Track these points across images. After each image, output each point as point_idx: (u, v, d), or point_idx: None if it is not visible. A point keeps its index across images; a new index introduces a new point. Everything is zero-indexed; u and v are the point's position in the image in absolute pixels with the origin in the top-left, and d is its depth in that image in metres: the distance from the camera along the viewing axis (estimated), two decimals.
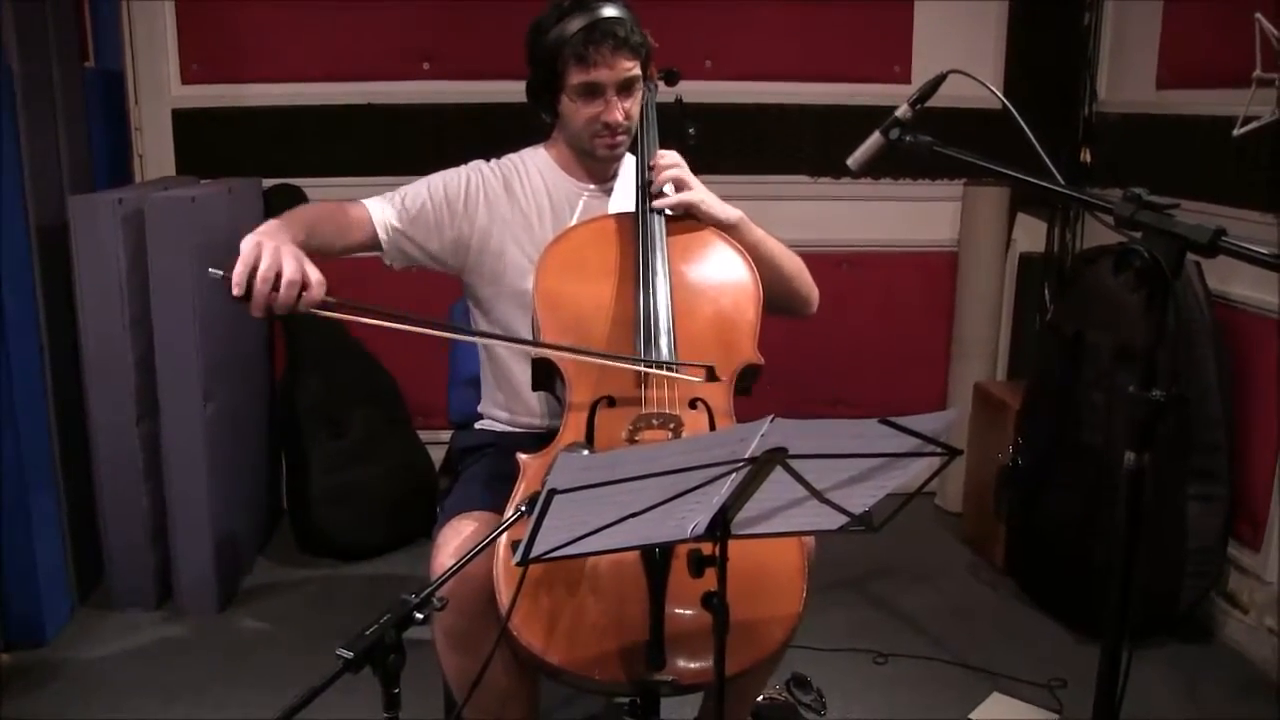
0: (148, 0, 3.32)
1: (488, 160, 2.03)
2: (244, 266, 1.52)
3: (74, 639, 2.76)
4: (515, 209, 1.97)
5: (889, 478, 1.36)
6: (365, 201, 1.93)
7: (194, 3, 3.36)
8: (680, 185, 1.89)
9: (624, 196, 2.01)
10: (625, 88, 1.87)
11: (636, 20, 1.88)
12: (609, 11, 1.84)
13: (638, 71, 1.88)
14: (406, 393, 3.49)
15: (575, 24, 1.82)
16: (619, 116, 1.88)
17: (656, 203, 1.88)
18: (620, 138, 1.92)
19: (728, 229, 1.92)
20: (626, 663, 1.52)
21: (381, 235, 1.92)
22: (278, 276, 1.53)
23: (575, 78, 1.85)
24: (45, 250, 2.72)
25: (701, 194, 1.90)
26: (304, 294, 1.55)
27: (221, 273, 1.53)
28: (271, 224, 1.66)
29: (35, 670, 2.60)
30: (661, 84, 2.06)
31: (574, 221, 1.97)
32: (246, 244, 1.55)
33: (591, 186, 2.02)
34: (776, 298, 1.96)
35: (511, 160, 2.03)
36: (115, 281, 2.75)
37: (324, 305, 1.57)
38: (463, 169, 2.00)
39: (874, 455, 1.32)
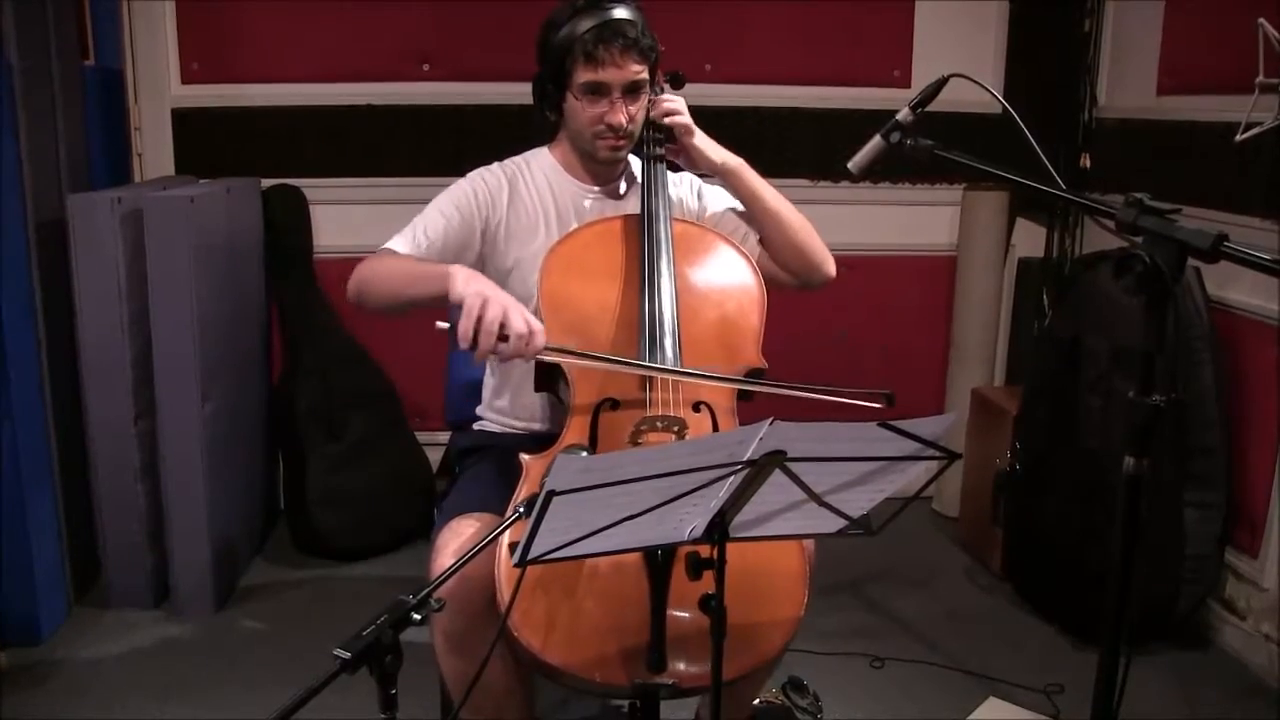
0: None
1: (490, 164, 2.02)
2: (469, 320, 1.60)
3: (70, 638, 2.76)
4: (520, 212, 1.97)
5: (887, 481, 1.36)
6: (390, 245, 1.92)
7: (194, 2, 3.36)
8: (675, 113, 1.94)
9: (629, 200, 2.01)
10: (631, 90, 1.87)
11: (648, 25, 1.88)
12: (621, 13, 1.84)
13: (645, 75, 1.88)
14: (403, 394, 3.49)
15: (587, 22, 1.82)
16: (622, 119, 1.88)
17: (653, 114, 1.93)
18: (622, 141, 1.92)
19: (723, 173, 1.94)
20: (626, 665, 1.52)
21: None
22: (502, 327, 1.60)
23: (582, 76, 1.85)
24: (43, 248, 2.72)
25: (695, 129, 1.93)
26: (530, 343, 1.62)
27: (448, 325, 1.62)
28: (464, 273, 1.70)
29: (31, 669, 2.60)
30: (667, 87, 2.06)
31: (577, 224, 1.97)
32: (470, 296, 1.62)
33: (595, 189, 2.02)
34: (787, 255, 1.96)
35: (515, 163, 2.03)
36: (113, 280, 2.75)
37: (546, 351, 1.66)
38: (465, 182, 1.98)
39: (872, 459, 1.31)
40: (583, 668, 1.52)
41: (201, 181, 3.24)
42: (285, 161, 3.44)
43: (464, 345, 1.60)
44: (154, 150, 3.43)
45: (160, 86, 3.39)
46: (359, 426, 3.36)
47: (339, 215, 3.48)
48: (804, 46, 3.54)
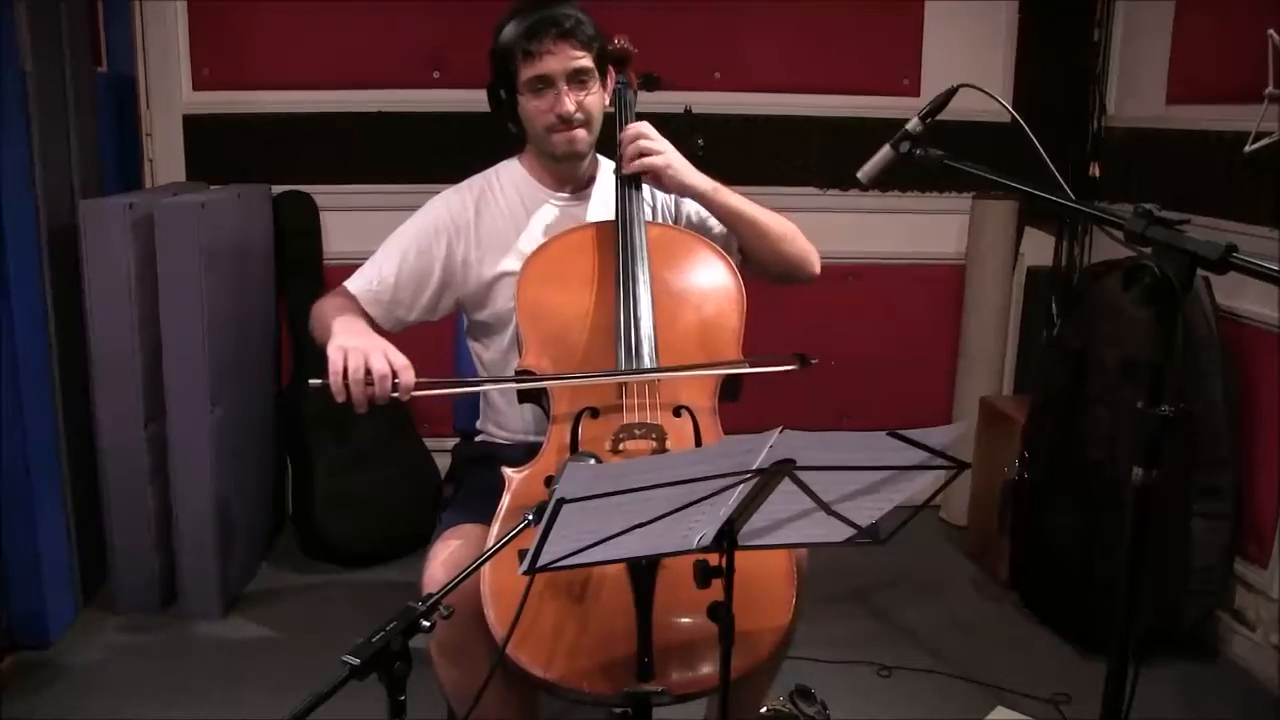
0: (160, 5, 3.34)
1: (458, 184, 2.02)
2: (335, 375, 1.64)
3: (77, 641, 2.76)
4: (491, 227, 1.97)
5: (896, 490, 1.36)
6: (346, 284, 1.95)
7: (206, 8, 3.38)
8: (646, 153, 1.88)
9: (602, 205, 2.00)
10: (576, 78, 1.87)
11: (590, 19, 1.88)
12: (557, 9, 1.85)
13: (588, 63, 1.87)
14: (412, 400, 3.49)
15: (522, 22, 1.85)
16: (570, 107, 1.86)
17: (625, 169, 1.88)
18: (577, 131, 1.90)
19: (698, 196, 1.91)
20: (614, 674, 1.51)
21: (373, 312, 1.94)
22: (368, 373, 1.64)
23: (525, 73, 1.86)
24: (55, 253, 2.73)
25: (669, 159, 1.88)
26: (397, 381, 1.66)
27: (320, 382, 1.65)
28: (340, 328, 1.75)
29: (38, 672, 2.61)
30: (643, 92, 2.05)
31: (547, 230, 1.96)
32: (331, 352, 1.66)
33: (563, 194, 2.01)
34: (769, 263, 1.96)
35: (484, 177, 2.03)
36: (124, 285, 2.76)
37: (420, 386, 1.70)
38: (427, 210, 1.99)
39: (882, 468, 1.31)
40: (572, 679, 1.52)
41: (212, 187, 3.25)
42: (296, 167, 3.45)
43: (339, 398, 1.64)
44: (165, 156, 3.44)
45: (172, 93, 3.40)
46: (367, 431, 3.36)
47: (349, 221, 3.49)
48: (813, 55, 3.54)
